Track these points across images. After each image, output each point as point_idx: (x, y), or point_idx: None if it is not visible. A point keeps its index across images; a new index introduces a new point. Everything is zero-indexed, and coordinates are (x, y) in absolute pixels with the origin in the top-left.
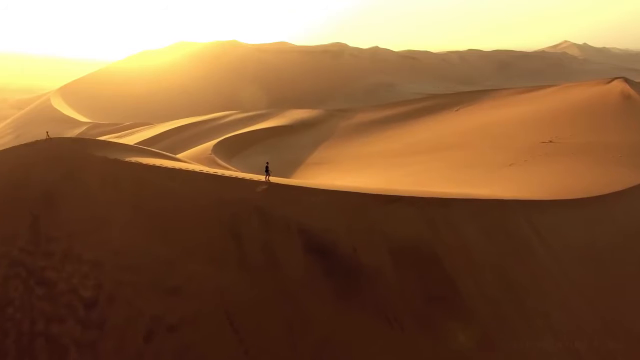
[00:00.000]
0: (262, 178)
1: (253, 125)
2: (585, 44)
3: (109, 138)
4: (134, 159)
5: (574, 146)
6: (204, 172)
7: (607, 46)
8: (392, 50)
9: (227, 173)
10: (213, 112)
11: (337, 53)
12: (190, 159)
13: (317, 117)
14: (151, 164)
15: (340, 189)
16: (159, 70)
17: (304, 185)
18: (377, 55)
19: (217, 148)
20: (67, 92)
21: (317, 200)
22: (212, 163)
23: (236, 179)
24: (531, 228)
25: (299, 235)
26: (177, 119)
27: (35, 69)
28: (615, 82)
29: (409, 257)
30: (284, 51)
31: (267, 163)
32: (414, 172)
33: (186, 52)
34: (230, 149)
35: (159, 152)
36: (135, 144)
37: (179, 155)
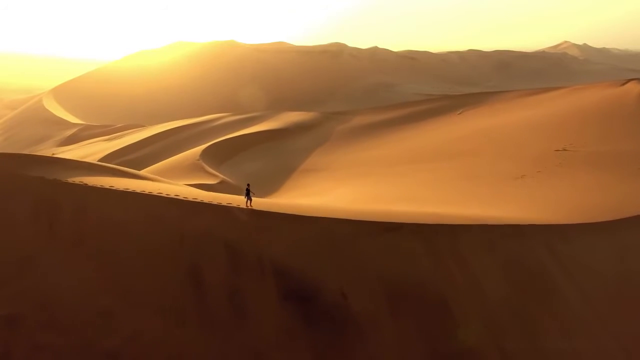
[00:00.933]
0: (241, 200)
1: (246, 128)
2: (585, 44)
3: (99, 140)
4: (78, 180)
5: (591, 155)
6: (164, 196)
7: (607, 46)
8: (391, 51)
9: (193, 195)
10: (210, 113)
11: (336, 53)
12: (177, 165)
13: (313, 120)
14: (99, 185)
15: (328, 215)
16: (155, 70)
17: (283, 211)
18: (376, 56)
19: (205, 153)
20: (60, 92)
21: (299, 230)
22: (199, 170)
23: (203, 204)
24: (555, 261)
25: (274, 278)
26: (174, 120)
27: (35, 68)
28: (630, 84)
29: (410, 302)
30: (282, 51)
31: (248, 185)
32: (416, 183)
33: (184, 52)
34: (220, 154)
35: (116, 169)
36: (123, 147)
37: (165, 162)
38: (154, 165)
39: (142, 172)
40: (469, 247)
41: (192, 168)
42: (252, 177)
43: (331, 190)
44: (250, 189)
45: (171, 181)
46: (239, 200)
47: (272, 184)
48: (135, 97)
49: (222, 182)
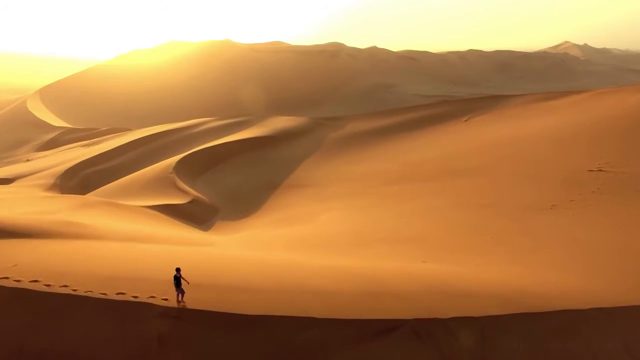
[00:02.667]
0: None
1: (229, 135)
2: (585, 44)
3: (76, 146)
4: None
5: (635, 179)
6: (3, 285)
7: (608, 47)
8: (390, 51)
9: (67, 278)
10: (205, 115)
11: (334, 53)
12: (148, 179)
13: (303, 126)
14: None
15: (281, 312)
16: (148, 70)
17: (211, 306)
18: (375, 56)
19: (180, 165)
20: (47, 93)
21: (229, 344)
22: (170, 185)
23: (70, 298)
24: None
25: None
26: (165, 122)
27: (35, 68)
28: None
29: None
30: (279, 51)
31: (178, 271)
32: (417, 212)
33: (177, 52)
34: (197, 166)
35: None
36: (97, 155)
37: (136, 175)
38: (124, 178)
39: (22, 217)
40: (506, 355)
41: (163, 183)
42: (231, 192)
43: (316, 215)
44: (182, 276)
45: (116, 205)
46: (156, 286)
47: (252, 202)
48: (126, 98)
49: (193, 202)
